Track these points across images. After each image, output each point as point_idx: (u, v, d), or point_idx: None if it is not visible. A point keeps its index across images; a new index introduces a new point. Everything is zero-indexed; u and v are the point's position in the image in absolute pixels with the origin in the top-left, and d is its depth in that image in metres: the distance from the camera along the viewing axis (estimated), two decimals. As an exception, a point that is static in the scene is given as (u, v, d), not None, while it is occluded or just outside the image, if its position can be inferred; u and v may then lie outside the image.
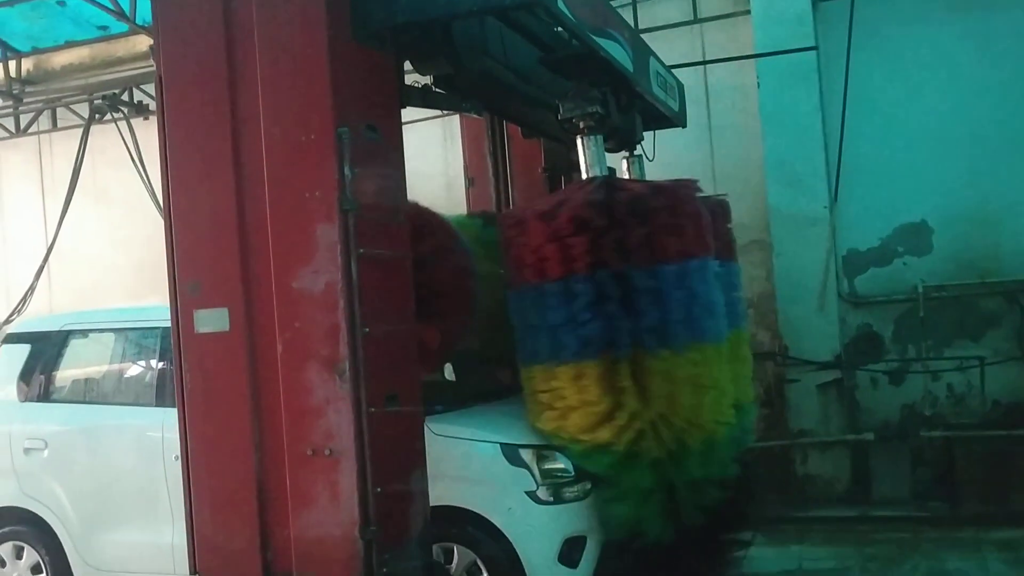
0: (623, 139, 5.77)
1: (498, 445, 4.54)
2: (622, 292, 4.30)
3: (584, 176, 4.74)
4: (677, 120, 6.35)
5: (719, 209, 5.57)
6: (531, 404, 4.61)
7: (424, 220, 4.72)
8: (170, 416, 5.49)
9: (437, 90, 4.92)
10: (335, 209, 3.68)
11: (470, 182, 6.31)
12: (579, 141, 4.75)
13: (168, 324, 5.68)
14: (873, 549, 6.51)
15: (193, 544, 4.00)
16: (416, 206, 4.56)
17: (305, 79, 3.74)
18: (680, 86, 6.42)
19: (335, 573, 3.67)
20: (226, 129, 3.89)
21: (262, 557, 3.80)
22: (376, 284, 3.78)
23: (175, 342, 4.09)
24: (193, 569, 3.97)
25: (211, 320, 3.92)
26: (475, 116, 6.22)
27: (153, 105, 10.51)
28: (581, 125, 4.70)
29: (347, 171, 3.68)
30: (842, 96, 7.64)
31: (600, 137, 4.79)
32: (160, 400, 5.63)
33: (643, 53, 5.45)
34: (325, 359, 3.70)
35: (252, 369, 3.85)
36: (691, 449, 4.43)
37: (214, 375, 3.93)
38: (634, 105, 5.53)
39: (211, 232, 3.94)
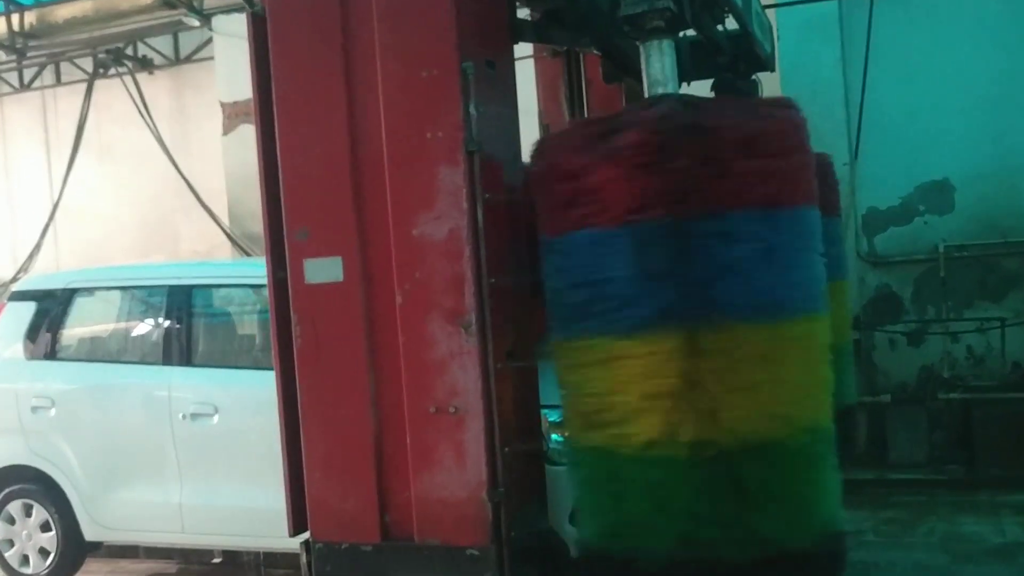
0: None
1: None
2: (702, 244, 3.24)
3: (647, 94, 3.67)
4: (767, 63, 5.51)
5: (823, 160, 5.02)
6: (573, 395, 3.49)
7: None
8: (177, 375, 5.51)
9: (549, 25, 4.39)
10: (460, 150, 3.43)
11: (545, 129, 6.06)
12: (642, 50, 3.72)
13: (173, 283, 5.78)
14: (889, 512, 6.45)
15: (302, 506, 3.79)
16: None
17: (427, 10, 3.47)
18: (771, 27, 5.70)
19: (461, 537, 3.49)
20: (338, 65, 3.62)
21: (380, 520, 3.61)
22: (499, 231, 3.55)
23: (272, 293, 3.81)
24: (292, 533, 3.80)
25: (323, 270, 3.66)
26: (551, 58, 5.92)
27: (157, 59, 10.39)
28: (647, 26, 3.65)
29: (472, 109, 3.42)
30: (864, 50, 7.45)
31: (671, 43, 3.73)
32: (167, 358, 5.59)
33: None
34: (449, 311, 3.47)
35: (368, 322, 3.61)
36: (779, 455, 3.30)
37: (326, 329, 3.68)
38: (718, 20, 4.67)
39: (322, 176, 3.67)
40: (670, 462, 3.21)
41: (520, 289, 3.68)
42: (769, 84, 7.56)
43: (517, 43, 4.04)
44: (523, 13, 4.42)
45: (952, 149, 7.57)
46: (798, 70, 7.61)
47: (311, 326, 3.71)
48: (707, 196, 3.21)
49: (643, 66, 3.68)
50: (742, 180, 3.23)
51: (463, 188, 3.44)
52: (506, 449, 3.50)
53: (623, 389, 3.28)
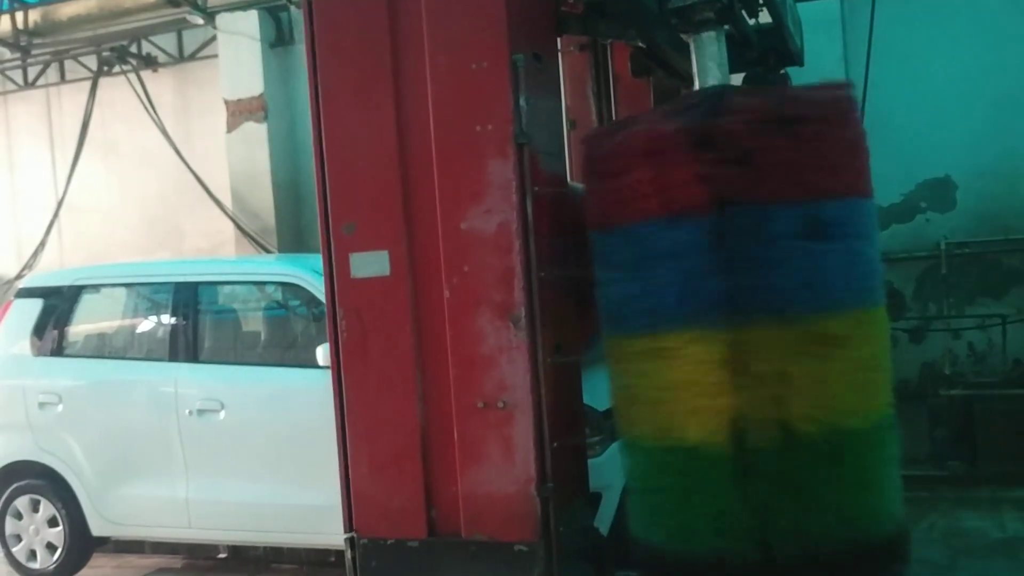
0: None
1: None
2: (759, 236, 3.18)
3: (696, 87, 3.69)
4: (797, 58, 5.52)
5: None
6: (626, 391, 3.48)
7: None
8: (183, 371, 5.55)
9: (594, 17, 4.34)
10: (509, 143, 3.40)
11: (571, 124, 5.98)
12: (692, 42, 3.73)
13: (179, 279, 5.81)
14: (891, 507, 6.46)
15: (349, 502, 3.75)
16: None
17: (476, 3, 3.46)
18: (801, 22, 5.73)
19: (509, 532, 3.46)
20: (385, 58, 3.60)
21: (427, 516, 3.59)
22: (548, 225, 3.52)
23: (328, 288, 3.78)
24: (348, 528, 3.74)
25: (369, 264, 3.64)
26: (578, 52, 5.88)
27: (161, 57, 10.41)
28: (696, 18, 3.69)
29: (522, 102, 3.40)
30: (866, 48, 7.45)
31: (722, 34, 3.77)
32: (173, 355, 5.62)
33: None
34: (498, 306, 3.45)
35: (415, 316, 3.59)
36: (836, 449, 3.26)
37: (373, 323, 3.66)
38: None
39: (369, 169, 3.65)
40: (714, 457, 3.19)
41: (568, 283, 3.66)
42: (772, 82, 7.62)
43: (562, 36, 4.02)
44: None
45: (954, 146, 7.56)
46: (800, 67, 7.61)
47: (357, 321, 3.68)
48: (761, 190, 3.18)
49: (693, 58, 3.71)
50: (803, 171, 3.19)
51: (512, 181, 3.43)
52: (554, 444, 3.47)
53: (670, 384, 3.27)
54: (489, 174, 3.45)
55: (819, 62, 7.57)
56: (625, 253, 3.40)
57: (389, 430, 3.66)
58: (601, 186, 3.51)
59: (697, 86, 3.72)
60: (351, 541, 3.71)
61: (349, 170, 3.70)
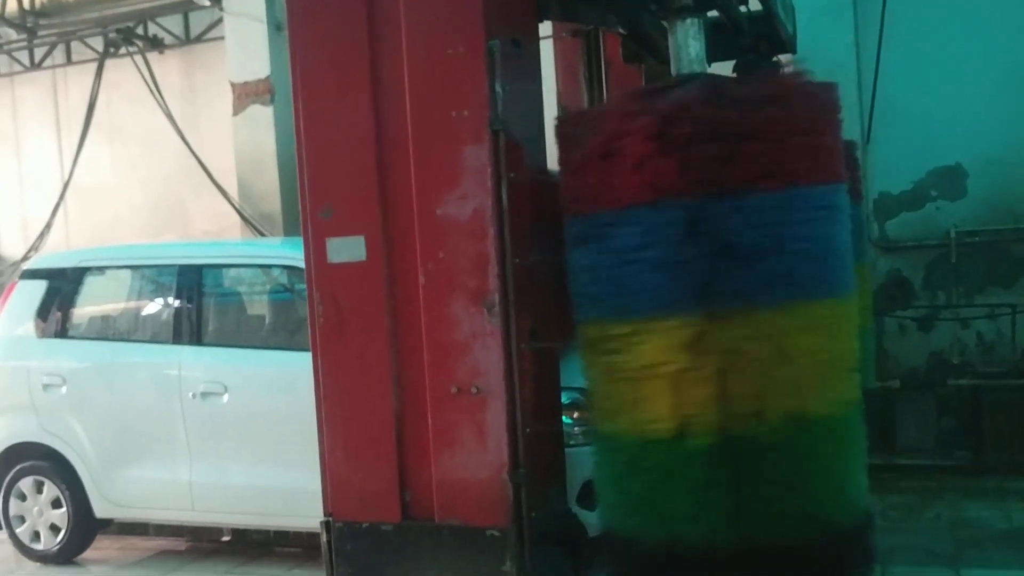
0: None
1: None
2: (726, 226, 3.17)
3: (674, 74, 3.66)
4: (789, 45, 5.44)
5: (848, 145, 5.19)
6: (596, 378, 3.45)
7: None
8: (187, 354, 5.54)
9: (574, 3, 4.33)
10: (485, 129, 3.41)
11: (563, 110, 5.98)
12: (670, 28, 3.71)
13: (184, 262, 5.80)
14: (897, 497, 6.43)
15: (326, 486, 3.79)
16: None
17: None
18: (793, 8, 5.65)
19: (482, 517, 3.49)
20: (362, 43, 3.60)
21: (401, 500, 3.62)
22: (524, 211, 3.53)
23: (306, 272, 3.82)
24: (326, 512, 3.77)
25: (346, 249, 3.66)
26: (570, 38, 5.86)
27: (168, 39, 10.38)
28: (675, 4, 3.68)
29: (498, 87, 3.40)
30: (878, 34, 7.39)
31: (699, 21, 3.74)
32: (177, 338, 5.61)
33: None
34: (472, 292, 3.46)
35: (391, 302, 3.61)
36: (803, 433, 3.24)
37: (349, 308, 3.68)
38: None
39: (346, 154, 3.66)
40: (688, 446, 3.17)
41: (544, 270, 3.66)
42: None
43: (542, 21, 3.98)
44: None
45: (965, 134, 7.48)
46: (811, 54, 7.43)
47: (334, 305, 3.70)
48: (733, 177, 3.15)
49: (671, 45, 3.67)
50: (769, 160, 3.17)
51: (488, 167, 3.42)
52: (527, 430, 3.48)
53: (644, 373, 3.23)
54: (464, 160, 3.45)
55: (830, 48, 7.51)
56: (600, 239, 3.34)
57: (364, 415, 3.69)
58: (576, 171, 3.46)
59: (675, 73, 3.65)
60: (327, 525, 3.74)
61: (327, 155, 3.70)
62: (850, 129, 7.42)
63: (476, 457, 3.49)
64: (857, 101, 7.53)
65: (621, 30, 5.09)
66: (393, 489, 3.62)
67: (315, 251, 3.72)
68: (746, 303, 3.15)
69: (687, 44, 3.62)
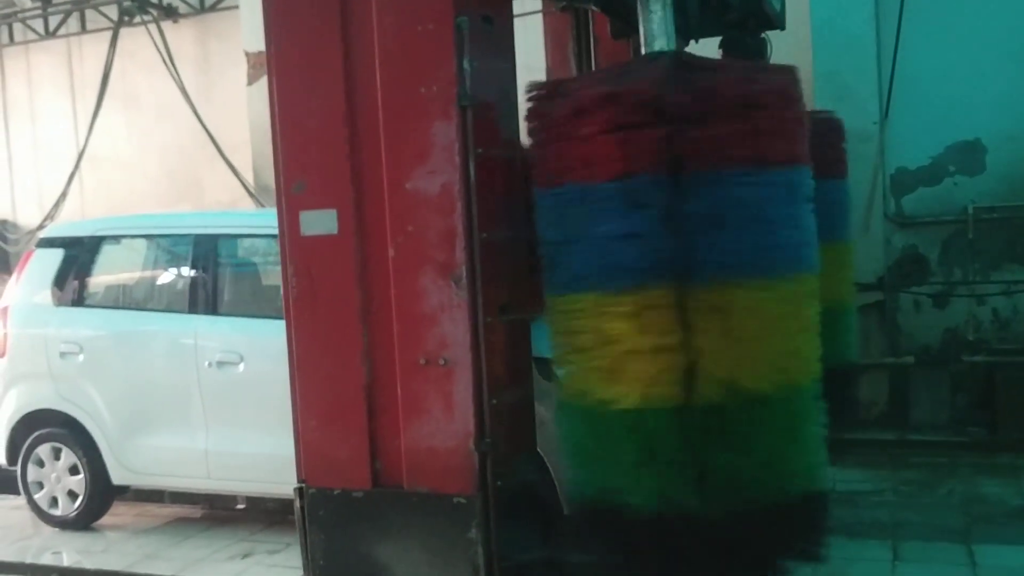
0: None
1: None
2: (691, 202, 3.26)
3: (643, 51, 3.67)
4: (777, 21, 5.39)
5: (832, 124, 5.18)
6: (565, 349, 3.51)
7: None
8: (203, 323, 5.57)
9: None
10: (453, 105, 3.46)
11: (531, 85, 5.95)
12: (640, 5, 3.69)
13: (199, 232, 5.81)
14: (909, 473, 6.44)
15: (299, 454, 3.89)
16: None
17: None
18: None
19: (448, 485, 3.58)
20: (334, 19, 3.65)
21: (371, 468, 3.71)
22: (493, 186, 3.59)
23: (280, 245, 3.89)
24: (300, 478, 3.87)
25: (318, 222, 3.73)
26: (559, 14, 5.85)
27: (182, 8, 10.34)
28: None
29: (466, 64, 3.45)
30: (898, 7, 7.29)
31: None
32: (193, 307, 5.64)
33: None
34: (440, 265, 3.54)
35: (362, 274, 3.69)
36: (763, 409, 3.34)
37: (321, 280, 3.76)
38: None
39: (318, 128, 3.72)
40: (656, 416, 3.26)
41: (515, 244, 3.72)
42: (800, 40, 7.49)
43: None
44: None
45: (984, 109, 7.40)
46: (830, 27, 7.46)
47: (307, 278, 3.78)
48: (696, 154, 3.23)
49: (640, 22, 3.65)
50: (732, 138, 3.26)
51: (455, 143, 3.48)
52: (494, 401, 3.56)
53: (613, 345, 3.31)
54: (433, 136, 3.50)
55: (849, 22, 7.44)
56: (565, 214, 3.41)
57: (336, 385, 3.77)
58: (544, 144, 3.51)
59: (644, 50, 3.65)
60: (300, 491, 3.83)
61: (300, 129, 3.75)
62: (869, 103, 7.44)
63: (443, 427, 3.57)
64: (876, 75, 7.47)
65: (594, 7, 5.16)
66: (364, 457, 3.71)
67: (289, 224, 3.79)
68: (720, 276, 3.25)
69: (654, 22, 3.62)
